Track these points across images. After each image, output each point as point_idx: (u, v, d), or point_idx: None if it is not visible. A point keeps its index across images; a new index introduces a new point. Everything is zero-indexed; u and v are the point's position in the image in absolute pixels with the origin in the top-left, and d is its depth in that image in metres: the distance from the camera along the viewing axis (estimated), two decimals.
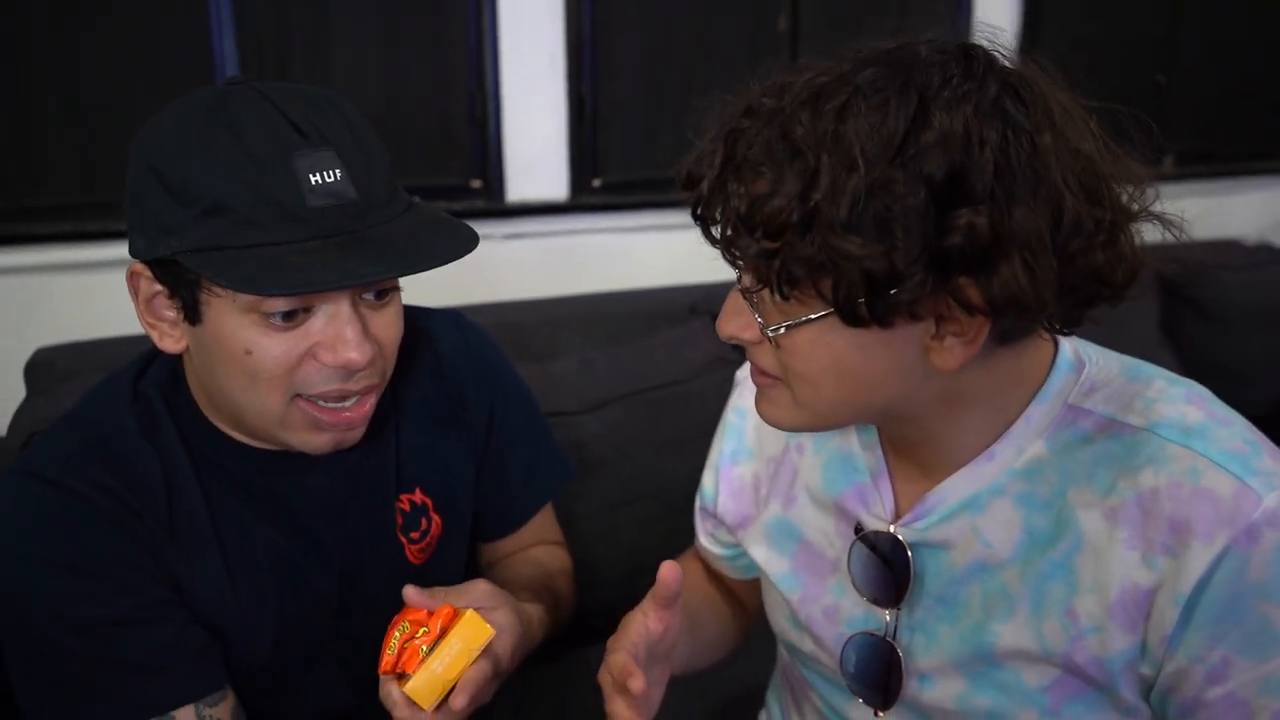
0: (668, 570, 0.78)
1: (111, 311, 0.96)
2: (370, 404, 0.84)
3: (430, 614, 0.83)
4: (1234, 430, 0.70)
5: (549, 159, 2.08)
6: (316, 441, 0.83)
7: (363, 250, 0.75)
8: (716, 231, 0.68)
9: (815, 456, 0.87)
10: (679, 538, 1.34)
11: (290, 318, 0.77)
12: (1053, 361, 0.75)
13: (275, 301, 0.75)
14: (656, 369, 1.45)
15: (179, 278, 0.77)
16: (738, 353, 1.52)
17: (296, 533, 0.90)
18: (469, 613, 0.83)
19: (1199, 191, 2.61)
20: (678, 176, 0.71)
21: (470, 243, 0.84)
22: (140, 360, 0.90)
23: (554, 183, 2.09)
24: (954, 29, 2.34)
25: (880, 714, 0.82)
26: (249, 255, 0.73)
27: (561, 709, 1.23)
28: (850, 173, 0.60)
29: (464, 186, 2.04)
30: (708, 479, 0.97)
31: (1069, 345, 0.76)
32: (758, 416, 0.91)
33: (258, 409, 0.81)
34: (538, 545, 1.12)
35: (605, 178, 2.14)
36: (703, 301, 1.63)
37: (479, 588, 0.88)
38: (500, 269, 2.06)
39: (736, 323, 0.71)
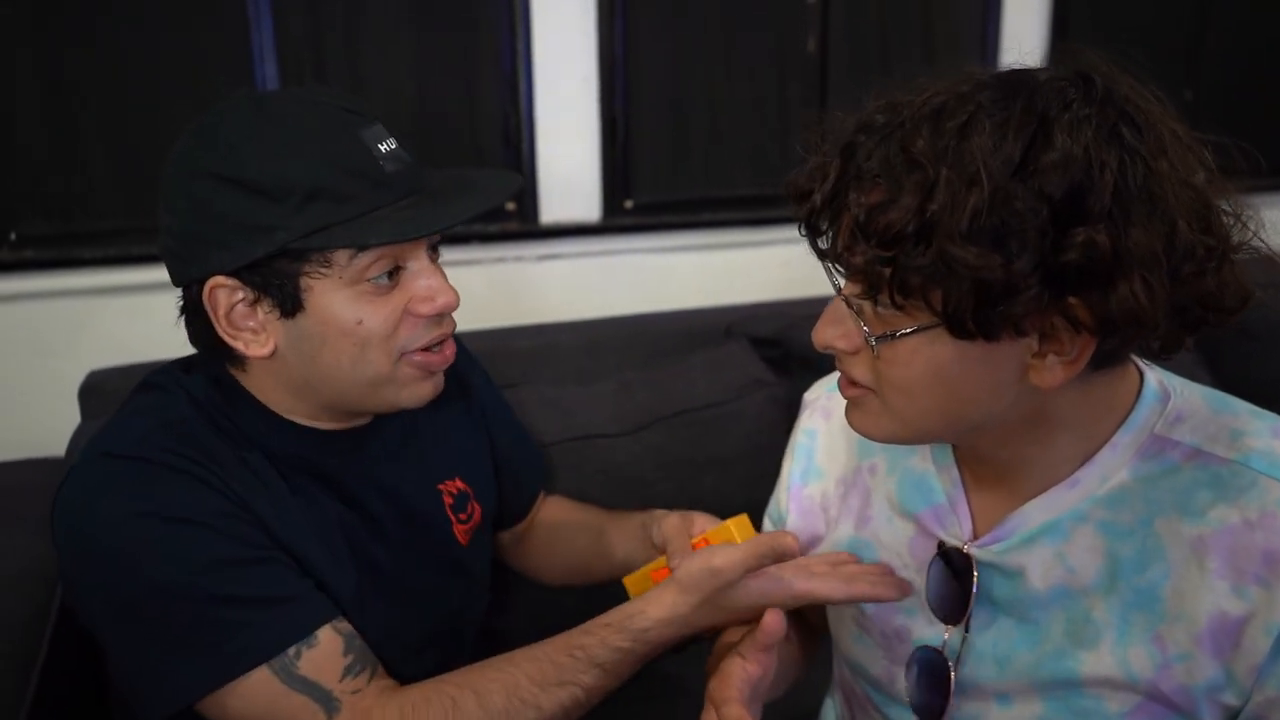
0: (771, 618, 0.82)
1: (160, 333, 0.99)
2: (453, 348, 0.92)
3: None
4: None
5: (582, 180, 2.10)
6: (422, 391, 0.90)
7: (441, 200, 0.85)
8: (823, 243, 0.70)
9: (889, 476, 0.88)
10: None
11: (392, 276, 0.84)
12: (1139, 391, 0.76)
13: (374, 267, 0.82)
14: (695, 391, 1.45)
15: (276, 274, 0.81)
16: (775, 375, 1.53)
17: (356, 507, 0.94)
18: (728, 523, 0.94)
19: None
20: (787, 188, 0.73)
21: (512, 178, 0.94)
22: (179, 364, 0.94)
23: (587, 204, 2.11)
24: (982, 50, 2.34)
25: None
26: (358, 224, 0.80)
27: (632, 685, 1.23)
28: (971, 186, 0.62)
29: (498, 208, 2.06)
30: (780, 499, 0.99)
31: (1154, 376, 0.77)
32: (827, 437, 0.92)
33: (371, 376, 0.86)
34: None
35: (637, 199, 2.16)
36: (738, 323, 1.64)
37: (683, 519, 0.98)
38: (534, 290, 2.09)
39: (834, 331, 0.73)
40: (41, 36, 1.70)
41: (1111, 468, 0.74)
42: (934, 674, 0.82)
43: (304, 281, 0.82)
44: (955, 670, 0.80)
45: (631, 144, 2.13)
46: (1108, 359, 0.69)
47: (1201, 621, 0.71)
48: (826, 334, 0.74)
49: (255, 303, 0.84)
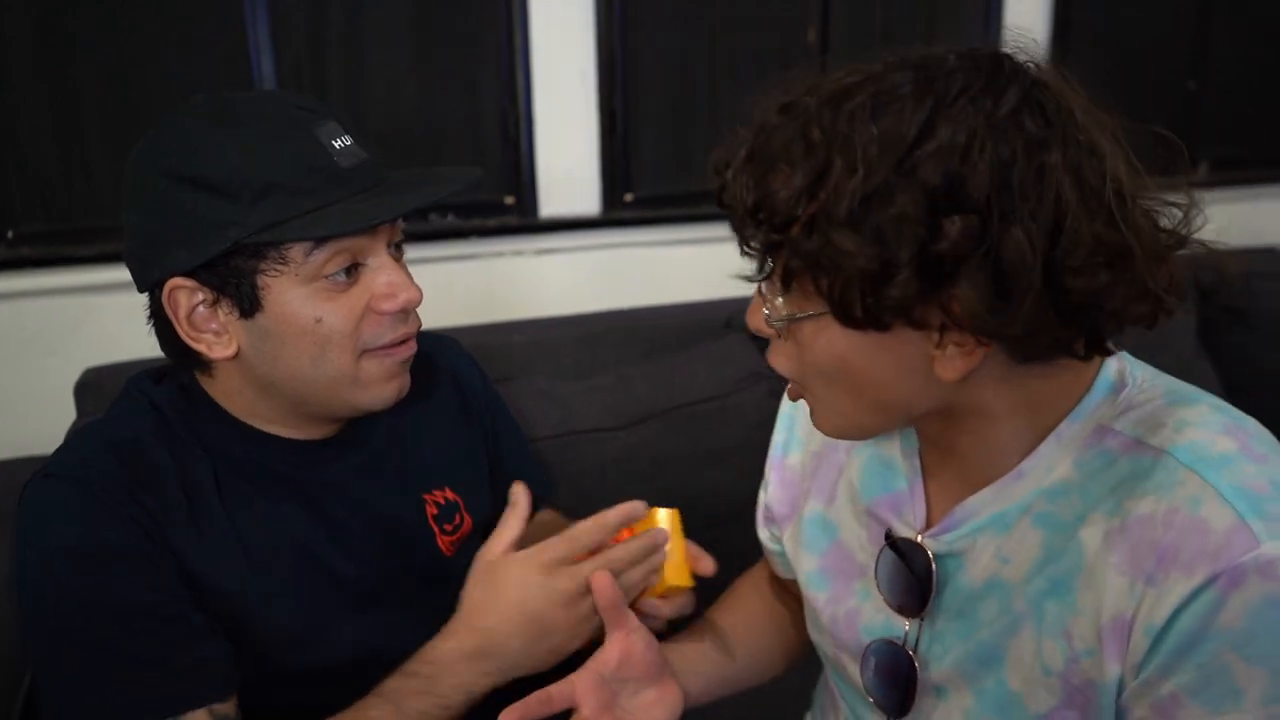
0: (599, 580, 0.87)
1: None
2: (414, 347, 0.92)
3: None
4: (1265, 469, 0.66)
5: (581, 174, 2.09)
6: (386, 392, 0.90)
7: (399, 192, 0.85)
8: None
9: (857, 457, 0.87)
10: (717, 552, 1.34)
11: (350, 273, 0.84)
12: (1092, 382, 0.74)
13: (332, 263, 0.83)
14: (694, 384, 1.45)
15: (232, 273, 0.82)
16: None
17: (320, 519, 0.93)
18: (655, 510, 0.93)
19: (1233, 198, 2.59)
20: (709, 165, 0.72)
21: (470, 171, 0.92)
22: (148, 376, 0.94)
23: (586, 198, 2.10)
24: (984, 37, 2.33)
25: None
26: (312, 218, 0.81)
27: None
28: (853, 175, 0.61)
29: (497, 203, 2.05)
30: (767, 468, 0.99)
31: (1115, 365, 0.75)
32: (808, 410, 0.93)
33: (332, 375, 0.86)
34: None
35: (637, 192, 2.15)
36: (738, 316, 1.63)
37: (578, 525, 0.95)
38: (534, 285, 2.08)
39: (759, 317, 0.73)
40: (41, 35, 1.69)
41: (1054, 459, 0.72)
42: (895, 667, 0.81)
43: (261, 280, 0.83)
44: (918, 663, 0.79)
45: (631, 137, 2.12)
46: (1027, 355, 0.67)
47: (1103, 617, 0.68)
48: (753, 318, 0.74)
49: (215, 304, 0.84)
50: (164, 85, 1.76)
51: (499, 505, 1.10)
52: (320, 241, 0.82)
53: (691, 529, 1.38)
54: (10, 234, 1.74)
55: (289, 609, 0.90)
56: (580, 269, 2.12)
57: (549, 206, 2.07)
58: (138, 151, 0.85)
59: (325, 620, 0.91)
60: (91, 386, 1.32)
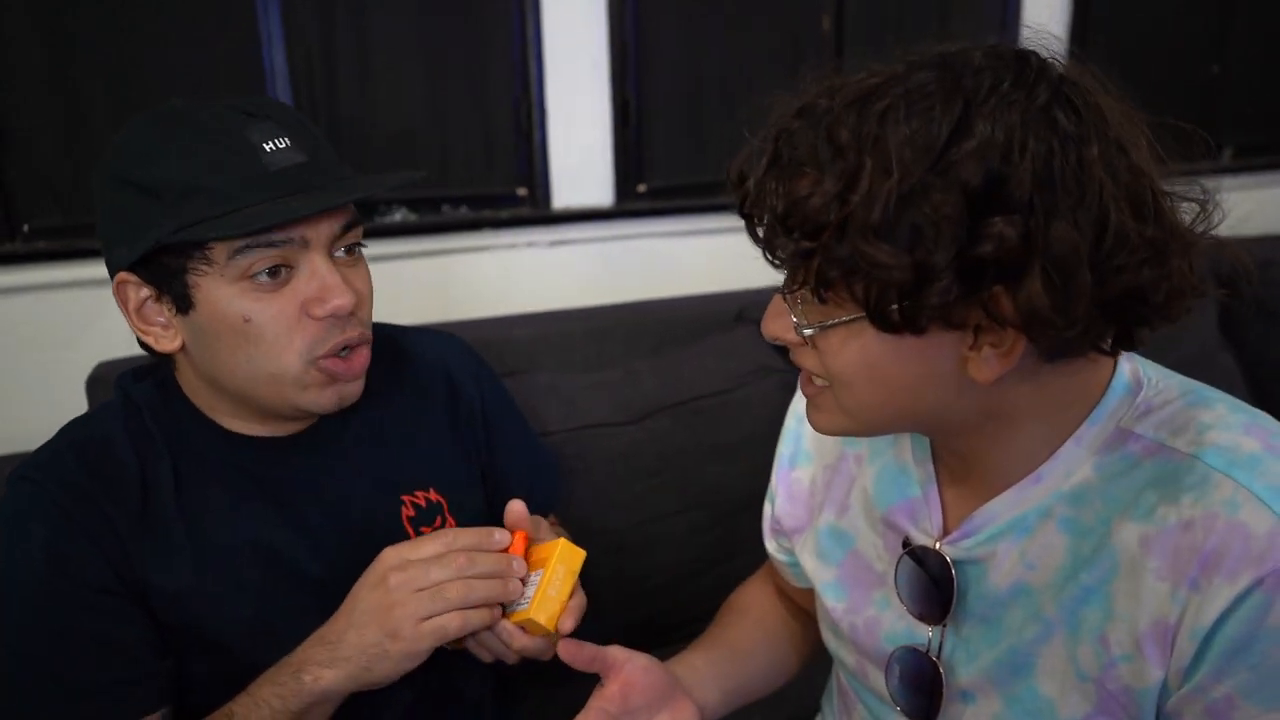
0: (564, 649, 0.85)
1: None
2: (365, 356, 0.91)
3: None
4: None
5: (594, 165, 2.08)
6: (323, 398, 0.90)
7: (325, 192, 0.85)
8: (760, 231, 0.68)
9: (870, 467, 0.86)
10: (726, 547, 1.34)
11: (275, 274, 0.84)
12: (1109, 383, 0.73)
13: (256, 262, 0.83)
14: (702, 378, 1.44)
15: (165, 271, 0.84)
16: (783, 360, 1.52)
17: (288, 519, 0.93)
18: (563, 540, 0.88)
19: (1256, 185, 2.55)
20: (728, 174, 0.71)
21: (407, 175, 0.90)
22: (131, 374, 0.97)
23: (599, 189, 2.09)
24: (1002, 26, 2.30)
25: None
26: (227, 219, 0.81)
27: None
28: (887, 177, 0.60)
29: (509, 194, 2.05)
30: (773, 478, 0.98)
31: (1128, 366, 0.74)
32: None
33: (271, 373, 0.87)
34: None
35: (650, 183, 2.14)
36: (749, 308, 1.63)
37: (541, 523, 0.93)
38: (547, 276, 2.07)
39: (779, 324, 0.72)
40: (50, 30, 1.70)
41: (1075, 462, 0.72)
42: (920, 675, 0.80)
43: (190, 279, 0.84)
44: (944, 669, 0.79)
45: (644, 127, 2.11)
46: (1056, 353, 0.66)
47: (1142, 623, 0.68)
48: (771, 326, 0.73)
49: (159, 299, 0.87)
50: (174, 79, 1.77)
51: (495, 509, 1.09)
52: (229, 240, 0.82)
53: (697, 523, 1.37)
54: (26, 228, 1.75)
55: (244, 609, 0.91)
56: (593, 260, 2.11)
57: (561, 198, 2.07)
58: (102, 157, 0.89)
59: (287, 621, 0.91)
60: (103, 380, 1.33)
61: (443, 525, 1.01)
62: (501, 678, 1.09)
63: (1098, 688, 0.71)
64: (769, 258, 0.69)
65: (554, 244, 2.08)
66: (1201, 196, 0.66)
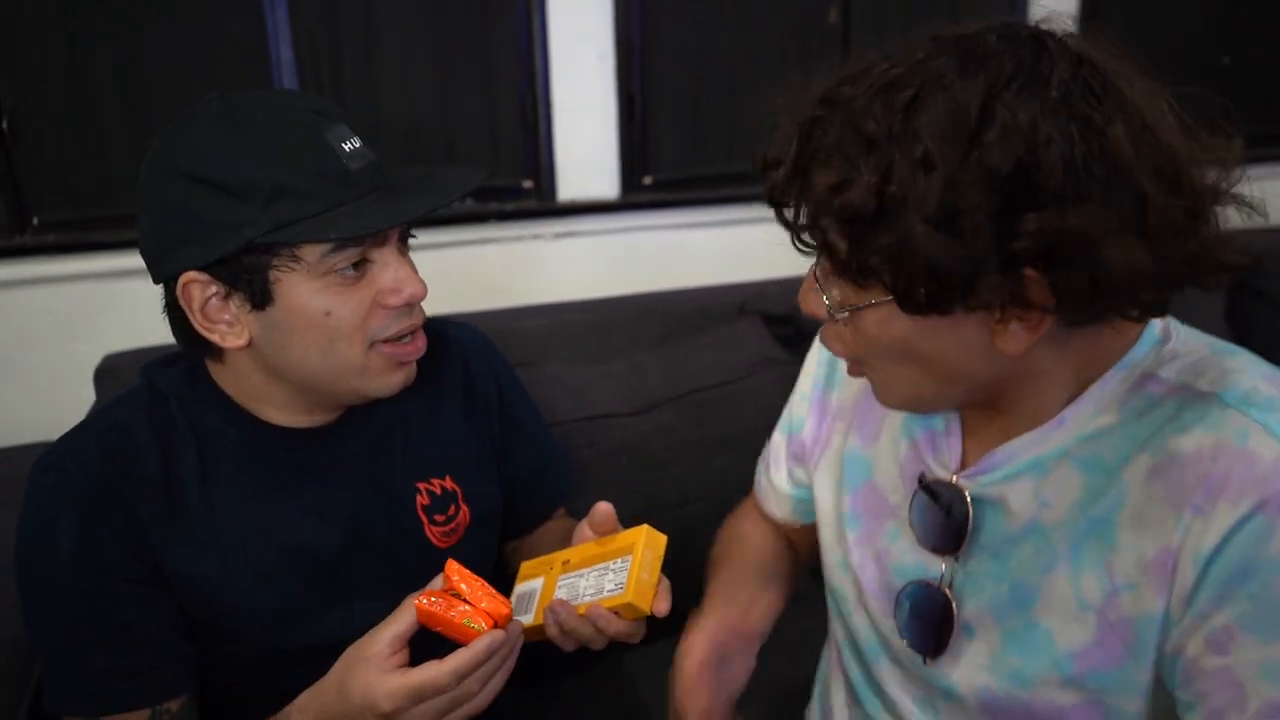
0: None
1: None
2: (423, 340, 0.95)
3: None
4: None
5: (600, 157, 2.08)
6: (392, 381, 0.93)
7: (406, 194, 0.87)
8: (789, 214, 0.70)
9: None
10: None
11: (358, 267, 0.87)
12: (1139, 335, 0.75)
13: (340, 260, 0.85)
14: (706, 370, 1.44)
15: (243, 269, 0.85)
16: (786, 353, 1.52)
17: (309, 506, 0.96)
18: (646, 526, 0.88)
19: (1268, 175, 2.52)
20: (754, 162, 0.72)
21: (475, 175, 0.93)
22: (158, 362, 0.98)
23: (605, 181, 2.09)
24: (1009, 11, 2.29)
25: (929, 663, 0.82)
26: (323, 220, 0.83)
27: (606, 711, 1.23)
28: (925, 168, 0.61)
29: (515, 187, 2.05)
30: (794, 411, 1.00)
31: (1159, 322, 0.76)
32: None
33: (340, 365, 0.89)
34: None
35: (656, 175, 2.14)
36: (752, 300, 1.63)
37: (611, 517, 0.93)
38: (553, 268, 2.08)
39: (815, 300, 0.74)
40: (61, 24, 1.71)
41: (1099, 406, 0.74)
42: (931, 608, 0.82)
43: (273, 275, 0.86)
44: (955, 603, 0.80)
45: (650, 120, 2.11)
46: (1081, 320, 0.68)
47: (1149, 552, 0.69)
48: (808, 302, 0.75)
49: (227, 297, 0.87)
50: (182, 74, 1.77)
51: (507, 499, 1.10)
52: (332, 242, 0.85)
53: (702, 515, 1.38)
54: (35, 221, 1.76)
55: (265, 595, 0.93)
56: (599, 252, 2.11)
57: (567, 190, 2.07)
58: (152, 152, 0.88)
59: (306, 607, 0.94)
60: (111, 372, 1.34)
61: (457, 513, 1.03)
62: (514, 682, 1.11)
63: (1098, 617, 0.72)
64: (798, 244, 0.70)
65: (559, 236, 2.08)
66: (1231, 163, 0.67)
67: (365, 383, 0.92)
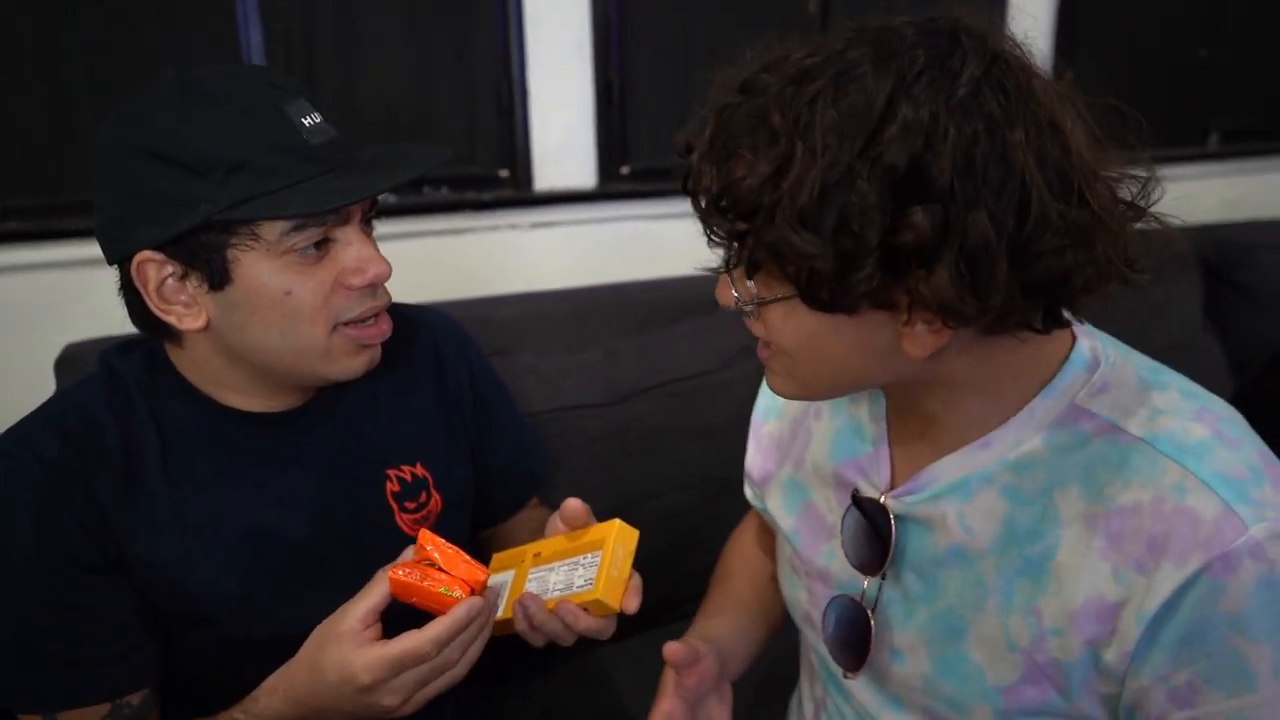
0: (671, 653, 0.85)
1: None
2: (388, 323, 0.92)
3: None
4: (1240, 454, 0.67)
5: (577, 147, 2.06)
6: (355, 364, 0.91)
7: (368, 171, 0.85)
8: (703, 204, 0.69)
9: (829, 423, 0.88)
10: (706, 530, 1.32)
11: (320, 247, 0.85)
12: (1066, 357, 0.73)
13: (301, 239, 0.83)
14: (682, 360, 1.43)
15: (200, 248, 0.83)
16: None
17: (275, 492, 0.94)
18: (618, 521, 0.87)
19: (1245, 170, 2.54)
20: (673, 147, 0.72)
21: (439, 152, 0.91)
22: (116, 348, 0.96)
23: (582, 171, 2.07)
24: (991, 5, 2.28)
25: (849, 676, 0.83)
26: (282, 196, 0.81)
27: (579, 708, 1.22)
28: (815, 162, 0.60)
29: (491, 176, 2.03)
30: (750, 436, 1.01)
31: (1086, 342, 0.75)
32: None
33: (301, 346, 0.87)
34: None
35: (634, 165, 2.12)
36: None
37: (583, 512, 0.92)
38: (529, 259, 2.06)
39: (725, 292, 0.73)
40: (28, 7, 1.67)
41: (1025, 433, 0.73)
42: (853, 624, 0.82)
43: (231, 254, 0.83)
44: (875, 621, 0.80)
45: (627, 109, 2.09)
46: (990, 328, 0.66)
47: (1079, 600, 0.69)
48: (721, 295, 0.74)
49: (184, 277, 0.85)
50: (151, 57, 1.74)
51: (481, 487, 1.09)
52: (291, 219, 0.83)
53: (677, 506, 1.36)
54: None
55: (228, 582, 0.91)
56: (576, 243, 2.09)
57: (544, 179, 2.05)
58: (106, 128, 0.86)
59: (270, 593, 0.92)
60: (71, 361, 1.32)
61: (428, 500, 1.02)
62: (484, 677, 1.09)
63: (1025, 658, 0.72)
64: (706, 234, 0.69)
65: (536, 226, 2.06)
66: (1142, 174, 0.67)
67: (327, 365, 0.90)
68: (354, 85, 1.88)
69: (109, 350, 0.96)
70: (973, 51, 0.62)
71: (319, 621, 0.86)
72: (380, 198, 0.91)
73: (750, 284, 0.69)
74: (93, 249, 1.71)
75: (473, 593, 0.81)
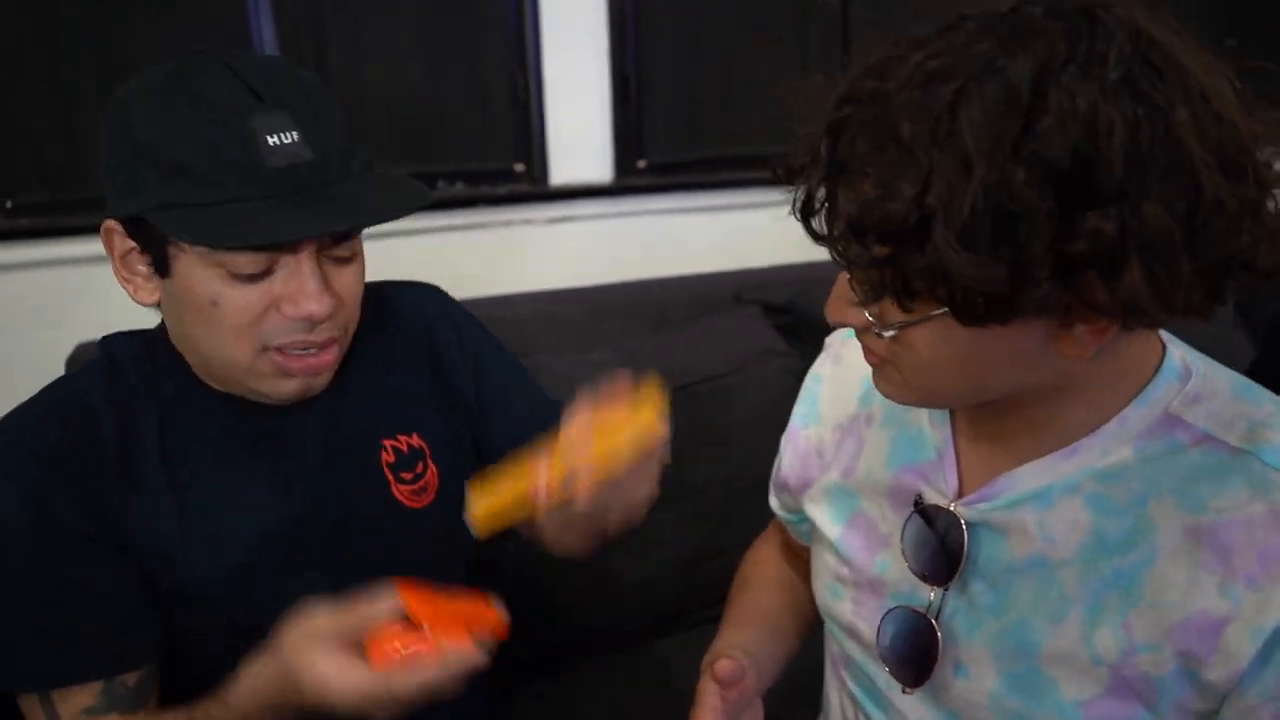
0: (723, 670, 0.81)
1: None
2: (333, 354, 0.88)
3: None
4: None
5: (593, 140, 2.03)
6: (284, 388, 0.88)
7: (317, 206, 0.80)
8: (819, 226, 0.64)
9: (884, 430, 0.84)
10: (723, 537, 1.30)
11: (254, 278, 0.81)
12: (1159, 365, 0.70)
13: (238, 261, 0.79)
14: (700, 361, 1.40)
15: (148, 233, 0.82)
16: (786, 343, 1.47)
17: (272, 474, 0.93)
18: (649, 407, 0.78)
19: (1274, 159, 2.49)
20: (774, 172, 0.66)
21: (418, 199, 0.86)
22: (120, 334, 0.96)
23: (598, 165, 2.05)
24: None
25: (907, 691, 0.79)
26: (209, 213, 0.78)
27: (597, 712, 1.21)
28: (966, 174, 0.55)
29: (506, 170, 2.00)
30: (783, 441, 0.97)
31: (1176, 352, 0.72)
32: (832, 383, 0.89)
33: (224, 358, 0.86)
34: None
35: (651, 158, 2.09)
36: (749, 288, 1.59)
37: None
38: (545, 254, 2.03)
39: (849, 312, 0.68)
40: (36, 5, 1.66)
41: (1115, 442, 0.70)
42: (915, 637, 0.78)
43: (170, 249, 0.82)
44: (942, 633, 0.77)
45: (644, 102, 2.06)
46: (1146, 322, 0.62)
47: (1177, 614, 0.66)
48: (838, 312, 0.69)
49: (142, 253, 0.85)
50: (161, 53, 1.72)
51: (485, 450, 1.05)
52: (191, 243, 0.79)
53: (693, 513, 1.33)
54: (9, 204, 1.71)
55: (227, 562, 0.90)
56: (592, 238, 2.07)
57: (560, 174, 2.02)
58: (115, 95, 0.87)
59: (269, 575, 0.91)
60: (82, 360, 1.30)
61: (425, 471, 1.00)
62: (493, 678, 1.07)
63: (1111, 673, 0.69)
64: (838, 259, 0.64)
65: (552, 221, 2.04)
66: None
67: (255, 382, 0.88)
68: (366, 78, 1.86)
69: (111, 336, 0.96)
70: (1114, 28, 0.57)
71: (317, 603, 0.84)
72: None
73: (883, 307, 0.64)
74: (98, 246, 1.71)
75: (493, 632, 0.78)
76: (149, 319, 1.27)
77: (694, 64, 2.08)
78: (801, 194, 0.64)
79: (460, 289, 1.68)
